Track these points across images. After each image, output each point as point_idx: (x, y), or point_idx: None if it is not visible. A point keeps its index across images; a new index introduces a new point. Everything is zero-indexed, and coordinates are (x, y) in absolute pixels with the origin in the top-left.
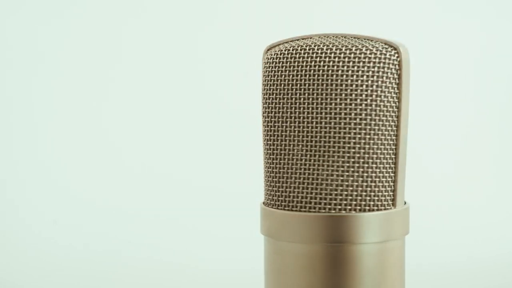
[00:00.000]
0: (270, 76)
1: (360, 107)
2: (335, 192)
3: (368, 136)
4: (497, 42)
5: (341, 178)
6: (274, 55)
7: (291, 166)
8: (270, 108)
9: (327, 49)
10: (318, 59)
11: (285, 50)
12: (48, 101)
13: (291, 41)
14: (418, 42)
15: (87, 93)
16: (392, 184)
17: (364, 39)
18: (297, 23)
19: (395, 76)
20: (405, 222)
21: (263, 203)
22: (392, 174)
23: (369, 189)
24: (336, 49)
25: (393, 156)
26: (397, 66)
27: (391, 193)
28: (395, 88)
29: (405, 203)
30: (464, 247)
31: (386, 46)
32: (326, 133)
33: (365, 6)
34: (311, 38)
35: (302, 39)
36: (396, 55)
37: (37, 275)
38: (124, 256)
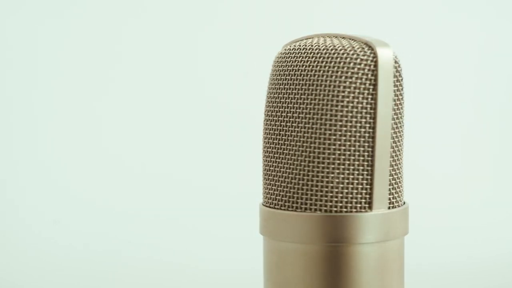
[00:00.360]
0: (273, 76)
1: (326, 107)
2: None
3: (333, 137)
4: (497, 41)
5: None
6: (278, 55)
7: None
8: (269, 107)
9: (309, 50)
10: (300, 59)
11: (284, 51)
12: (48, 101)
13: (295, 42)
14: (417, 41)
15: (87, 93)
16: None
17: (349, 38)
18: (297, 23)
19: (370, 76)
20: (404, 222)
21: (262, 203)
22: (368, 177)
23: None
24: (316, 50)
25: (369, 158)
26: (372, 66)
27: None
28: (370, 89)
29: (404, 203)
30: (464, 247)
31: (364, 46)
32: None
33: (365, 6)
34: (311, 38)
35: (306, 39)
36: (372, 55)
37: (37, 275)
38: (124, 256)
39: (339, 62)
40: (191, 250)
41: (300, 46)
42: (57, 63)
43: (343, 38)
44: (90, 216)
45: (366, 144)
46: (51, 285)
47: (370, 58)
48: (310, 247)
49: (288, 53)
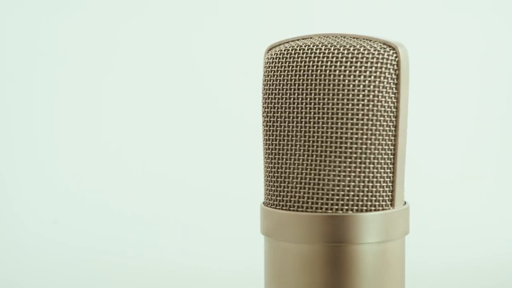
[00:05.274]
0: (270, 76)
1: (357, 107)
2: (333, 192)
3: (365, 137)
4: (500, 44)
5: (339, 178)
6: (274, 55)
7: (289, 166)
8: (270, 108)
9: (325, 50)
10: (316, 59)
11: (285, 50)
12: (48, 102)
13: (291, 41)
14: (420, 41)
15: (87, 94)
16: (390, 184)
17: (363, 39)
18: (297, 23)
19: (393, 76)
20: (405, 222)
21: (263, 203)
22: (391, 175)
23: (366, 189)
24: (334, 50)
25: (391, 157)
26: (395, 66)
27: (390, 193)
28: (393, 88)
29: (405, 203)
30: (464, 247)
31: (385, 46)
32: (324, 133)
33: (367, 5)
34: (311, 38)
35: (303, 39)
36: (395, 55)
37: (37, 275)
38: (125, 256)
39: (366, 62)
40: (191, 250)
41: (308, 45)
42: (56, 64)
43: (355, 38)
44: (90, 216)
45: (390, 142)
46: (51, 285)
47: (393, 58)
48: (311, 247)
49: (293, 52)
